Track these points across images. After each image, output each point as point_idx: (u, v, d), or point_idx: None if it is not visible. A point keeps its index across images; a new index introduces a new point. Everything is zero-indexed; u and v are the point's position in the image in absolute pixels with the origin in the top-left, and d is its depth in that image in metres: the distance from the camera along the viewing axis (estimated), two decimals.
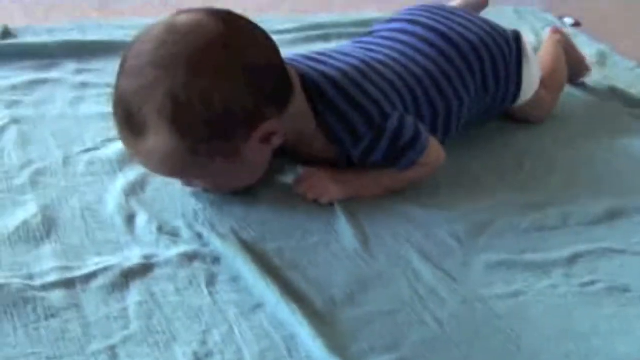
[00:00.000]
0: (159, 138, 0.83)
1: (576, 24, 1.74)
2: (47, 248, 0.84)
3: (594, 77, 1.44)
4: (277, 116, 0.89)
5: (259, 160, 0.92)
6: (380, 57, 1.05)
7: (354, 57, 1.03)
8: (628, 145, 1.20)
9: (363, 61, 1.02)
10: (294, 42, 1.46)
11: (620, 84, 1.43)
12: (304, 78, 0.95)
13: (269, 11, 1.69)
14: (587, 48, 1.58)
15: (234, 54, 0.85)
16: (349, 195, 0.97)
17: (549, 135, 1.20)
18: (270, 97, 0.88)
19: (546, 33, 1.46)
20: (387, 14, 1.68)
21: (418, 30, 1.11)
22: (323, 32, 1.54)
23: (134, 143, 0.86)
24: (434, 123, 1.03)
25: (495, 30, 1.15)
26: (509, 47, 1.14)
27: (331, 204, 0.96)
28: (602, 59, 1.55)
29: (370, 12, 1.71)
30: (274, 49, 0.90)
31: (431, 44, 1.09)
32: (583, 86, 1.40)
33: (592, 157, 1.15)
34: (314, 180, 0.97)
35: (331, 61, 1.01)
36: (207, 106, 0.83)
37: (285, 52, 0.95)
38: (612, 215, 1.00)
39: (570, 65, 1.37)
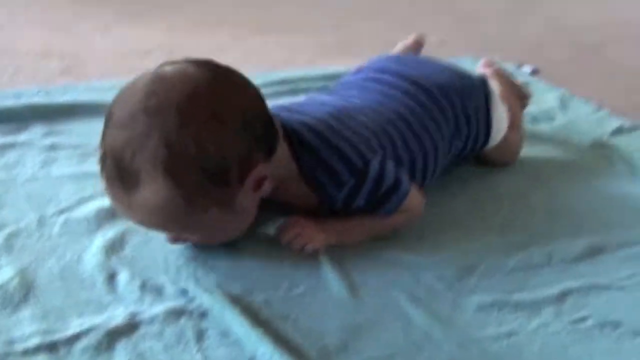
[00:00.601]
0: (153, 188, 0.82)
1: (534, 72, 1.78)
2: (26, 311, 0.81)
3: (558, 121, 1.47)
4: (267, 161, 0.88)
5: (249, 209, 0.91)
6: (354, 104, 1.06)
7: (329, 105, 1.04)
8: (600, 183, 1.22)
9: (339, 109, 1.03)
10: (264, 96, 1.45)
11: (584, 125, 1.46)
12: (284, 126, 0.95)
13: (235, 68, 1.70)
14: (548, 94, 1.62)
15: (224, 100, 0.85)
16: (333, 243, 0.96)
17: (523, 177, 1.22)
18: (260, 141, 0.88)
19: (478, 69, 1.45)
20: (349, 66, 1.72)
21: (387, 77, 1.13)
22: (291, 86, 1.54)
23: (126, 197, 0.83)
24: (412, 167, 1.04)
25: (462, 74, 1.18)
26: (477, 90, 1.16)
27: (316, 252, 0.95)
28: (563, 103, 1.58)
29: (336, 67, 1.73)
30: (258, 94, 0.90)
31: (402, 90, 1.10)
32: (549, 129, 1.42)
33: (567, 196, 1.16)
34: (299, 229, 0.96)
35: (308, 110, 1.01)
36: (202, 152, 0.82)
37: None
38: (594, 252, 1.00)
39: (514, 94, 1.38)
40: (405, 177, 0.99)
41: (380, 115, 1.04)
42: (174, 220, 0.86)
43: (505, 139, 1.22)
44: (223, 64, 0.90)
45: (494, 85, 1.21)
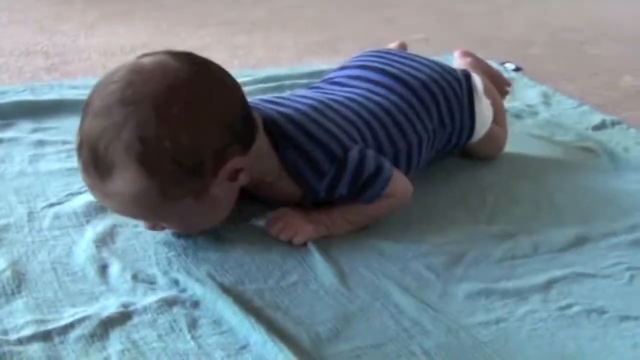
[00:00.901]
0: (126, 177, 0.82)
1: (517, 69, 1.80)
2: (19, 302, 0.81)
3: (542, 115, 1.49)
4: (243, 153, 0.89)
5: (226, 198, 0.91)
6: (337, 97, 1.07)
7: (311, 98, 1.05)
8: (583, 176, 1.24)
9: (320, 101, 1.04)
10: (249, 93, 1.46)
11: (567, 120, 1.48)
12: (264, 119, 0.95)
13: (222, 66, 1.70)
14: (531, 90, 1.65)
15: (201, 92, 0.85)
16: (321, 234, 0.97)
17: (507, 170, 1.23)
18: (237, 134, 0.88)
19: (455, 59, 1.45)
20: (334, 65, 1.73)
21: (370, 74, 1.14)
22: (277, 83, 1.55)
23: (101, 185, 0.83)
24: (396, 159, 1.05)
25: (444, 69, 1.19)
26: (460, 85, 1.18)
27: (305, 244, 0.95)
28: (546, 99, 1.60)
29: (319, 65, 1.75)
30: (237, 87, 0.91)
31: (384, 86, 1.11)
32: (533, 124, 1.44)
33: (550, 188, 1.18)
34: (286, 221, 0.97)
35: (289, 103, 1.02)
36: (176, 144, 0.82)
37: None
38: (579, 242, 1.02)
39: (494, 83, 1.39)
40: (387, 163, 1.00)
41: (363, 108, 1.05)
42: (149, 210, 0.87)
43: (489, 133, 1.23)
44: (202, 57, 0.90)
45: (477, 80, 1.22)
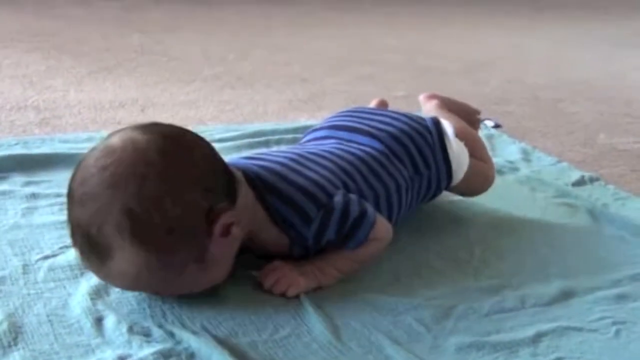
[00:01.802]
0: (126, 257, 0.85)
1: (497, 126, 1.85)
2: (15, 355, 0.81)
3: (522, 172, 1.53)
4: (231, 208, 0.91)
5: (227, 254, 0.94)
6: (312, 150, 1.11)
7: (288, 152, 1.10)
8: (565, 231, 1.26)
9: (297, 154, 1.08)
10: (237, 148, 1.49)
11: (547, 176, 1.52)
12: (246, 173, 0.98)
13: (208, 123, 1.74)
14: (511, 146, 1.69)
15: (175, 159, 0.88)
16: (313, 285, 0.99)
17: (493, 225, 1.26)
18: (220, 191, 0.91)
19: (420, 102, 1.49)
20: (318, 119, 1.77)
21: (340, 133, 1.18)
22: (264, 138, 1.58)
23: (103, 268, 0.87)
24: (377, 204, 1.08)
25: (413, 120, 1.23)
26: (430, 133, 1.21)
27: (297, 297, 0.97)
28: (526, 155, 1.65)
29: (304, 120, 1.78)
30: (210, 148, 0.94)
31: (355, 142, 1.15)
32: (514, 179, 1.48)
33: (535, 243, 1.20)
34: (278, 274, 0.99)
35: (267, 157, 1.06)
36: (163, 214, 0.85)
37: (227, 158, 0.99)
38: (565, 296, 1.04)
39: (464, 118, 1.43)
40: (370, 208, 1.03)
41: (338, 158, 1.09)
42: (155, 284, 0.90)
43: (472, 171, 1.26)
44: (168, 124, 0.94)
45: (447, 125, 1.25)
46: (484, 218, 1.29)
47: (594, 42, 3.44)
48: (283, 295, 0.97)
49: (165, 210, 0.85)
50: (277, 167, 1.02)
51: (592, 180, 1.51)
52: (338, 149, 1.12)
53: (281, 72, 2.35)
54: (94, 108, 1.76)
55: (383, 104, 1.49)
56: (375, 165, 1.11)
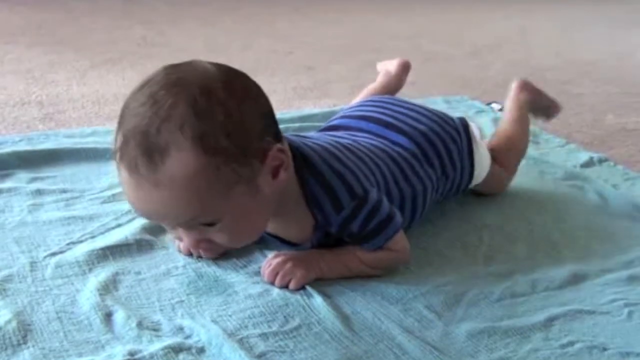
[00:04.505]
0: (182, 158, 0.82)
1: (503, 109, 1.84)
2: (25, 353, 0.81)
3: (530, 154, 1.52)
4: (283, 148, 0.91)
5: (269, 199, 0.92)
6: (347, 142, 1.09)
7: (327, 138, 1.08)
8: (575, 213, 1.26)
9: (338, 142, 1.06)
10: None
11: (556, 158, 1.51)
12: (293, 147, 0.97)
13: None
14: None
15: (238, 81, 0.89)
16: (315, 277, 0.98)
17: (501, 210, 1.25)
18: (272, 127, 0.91)
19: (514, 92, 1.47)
20: (324, 108, 1.76)
21: (373, 127, 1.16)
22: None
23: (152, 176, 0.82)
24: (402, 206, 1.06)
25: (443, 119, 1.20)
26: (459, 134, 1.19)
27: (303, 287, 0.96)
28: (534, 137, 1.63)
29: (310, 109, 1.77)
30: (264, 93, 0.93)
31: (389, 140, 1.13)
32: (523, 162, 1.47)
33: (545, 227, 1.20)
34: (278, 267, 0.98)
35: (315, 139, 1.05)
36: (228, 118, 0.84)
37: None
38: (577, 280, 1.03)
39: (541, 109, 1.47)
40: (398, 216, 1.01)
41: (373, 155, 1.07)
42: (201, 198, 0.85)
43: (492, 176, 1.26)
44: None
45: (474, 128, 1.25)
46: (492, 203, 1.28)
47: (599, 23, 3.42)
48: (285, 287, 0.96)
49: (230, 115, 0.84)
50: (318, 148, 1.00)
51: (600, 161, 1.50)
52: (371, 144, 1.10)
53: (285, 61, 2.34)
54: (98, 102, 1.75)
55: (406, 66, 1.49)
56: (406, 167, 1.09)
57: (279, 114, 1.69)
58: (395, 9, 3.56)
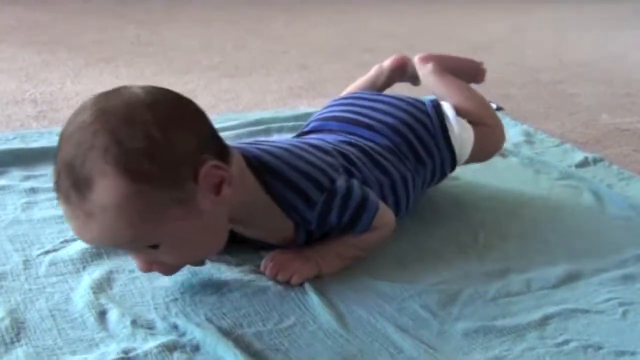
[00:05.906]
0: (107, 185, 0.80)
1: (499, 109, 1.84)
2: (19, 351, 0.81)
3: (525, 153, 1.52)
4: (220, 165, 0.87)
5: (217, 218, 0.90)
6: (313, 140, 1.09)
7: (290, 141, 1.08)
8: (570, 213, 1.26)
9: (299, 141, 1.07)
10: (237, 137, 1.48)
11: (550, 158, 1.51)
12: (247, 156, 0.96)
13: (207, 112, 1.72)
14: (513, 129, 1.68)
15: (168, 104, 0.87)
16: (316, 272, 0.98)
17: (496, 209, 1.25)
18: (208, 144, 0.88)
19: (415, 65, 1.38)
20: (318, 107, 1.75)
21: (342, 126, 1.17)
22: (264, 126, 1.57)
23: (83, 205, 0.81)
24: (382, 192, 1.07)
25: (413, 106, 1.20)
26: (430, 119, 1.19)
27: (301, 285, 0.96)
28: (528, 137, 1.64)
29: (304, 108, 1.77)
30: (202, 111, 0.91)
31: (358, 136, 1.14)
32: (518, 162, 1.47)
33: (539, 226, 1.20)
34: (281, 262, 0.98)
35: (268, 143, 1.05)
36: (151, 143, 0.82)
37: None
38: (571, 279, 1.03)
39: (466, 74, 1.37)
40: (372, 194, 1.02)
41: (342, 147, 1.08)
42: (134, 224, 0.83)
43: (478, 138, 1.24)
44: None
45: (447, 107, 1.23)
46: (487, 202, 1.28)
47: (594, 23, 3.43)
48: (287, 283, 0.96)
49: (153, 141, 0.82)
50: (279, 152, 1.00)
51: (595, 161, 1.51)
52: (340, 140, 1.11)
53: (280, 60, 2.34)
54: None
55: (402, 62, 1.40)
56: (378, 157, 1.10)
57: (273, 112, 1.71)
58: (389, 8, 3.56)
